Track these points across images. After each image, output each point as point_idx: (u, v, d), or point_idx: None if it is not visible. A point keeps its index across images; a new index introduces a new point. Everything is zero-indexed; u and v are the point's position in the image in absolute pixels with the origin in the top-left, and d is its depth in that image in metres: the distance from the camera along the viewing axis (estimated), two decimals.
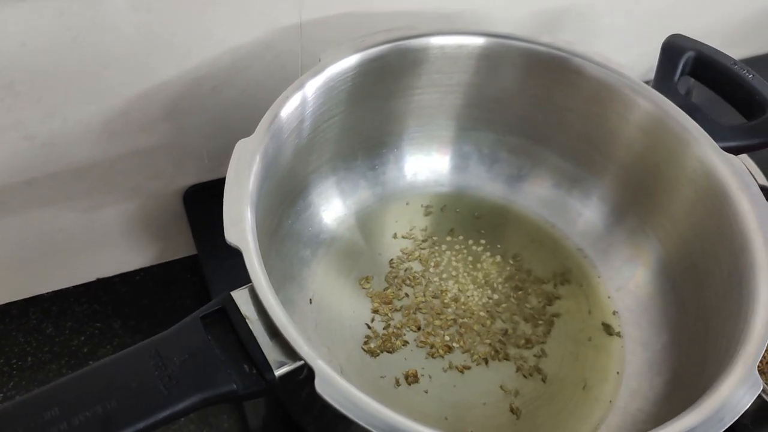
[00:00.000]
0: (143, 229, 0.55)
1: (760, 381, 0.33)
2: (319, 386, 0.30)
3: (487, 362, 0.45)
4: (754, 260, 0.38)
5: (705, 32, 0.51)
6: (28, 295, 0.54)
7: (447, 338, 0.46)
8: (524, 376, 0.45)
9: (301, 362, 0.31)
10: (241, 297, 0.34)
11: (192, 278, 0.57)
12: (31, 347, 0.52)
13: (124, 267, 0.56)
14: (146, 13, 0.43)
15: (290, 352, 0.32)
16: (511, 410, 0.43)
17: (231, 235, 0.34)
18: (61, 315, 0.54)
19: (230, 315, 0.33)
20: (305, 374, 0.32)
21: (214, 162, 0.54)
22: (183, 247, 0.57)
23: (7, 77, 0.42)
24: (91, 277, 0.56)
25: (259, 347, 0.32)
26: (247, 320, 0.33)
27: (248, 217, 0.35)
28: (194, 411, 0.30)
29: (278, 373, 0.32)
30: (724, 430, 0.45)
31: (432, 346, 0.46)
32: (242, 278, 0.34)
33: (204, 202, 0.54)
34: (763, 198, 0.40)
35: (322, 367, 0.31)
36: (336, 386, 0.30)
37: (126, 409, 0.29)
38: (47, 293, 0.54)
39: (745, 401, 0.33)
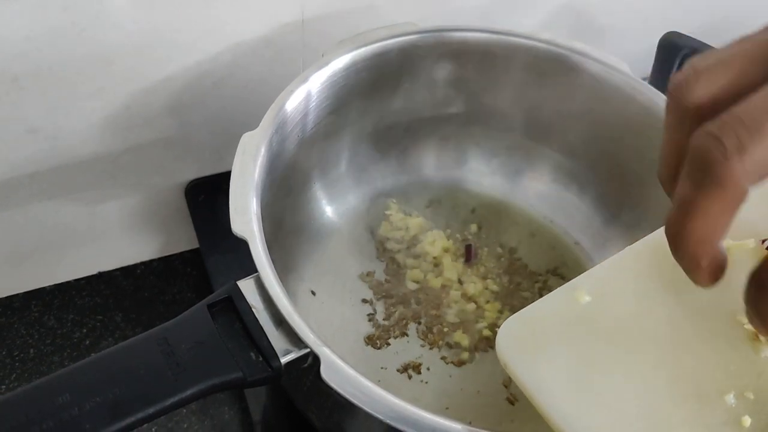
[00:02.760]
0: (145, 223, 0.56)
1: None
2: (325, 373, 0.31)
3: (486, 353, 0.46)
4: None
5: (701, 30, 0.52)
6: (30, 288, 0.54)
7: (445, 330, 0.47)
8: None
9: (307, 350, 0.32)
10: (247, 286, 0.34)
11: (192, 272, 0.57)
12: (33, 340, 0.52)
13: (126, 260, 0.57)
14: (149, 9, 0.43)
15: (296, 340, 0.32)
16: (509, 400, 0.44)
17: (237, 226, 0.35)
18: (62, 308, 0.54)
19: (237, 304, 0.33)
20: (310, 361, 0.32)
21: (216, 156, 0.54)
22: (184, 240, 0.57)
23: (12, 71, 0.42)
24: (92, 271, 0.56)
25: (265, 335, 0.33)
26: (253, 309, 0.33)
27: (254, 207, 0.36)
28: (202, 397, 0.31)
29: (284, 360, 0.32)
30: None
31: (431, 337, 0.46)
32: (244, 271, 0.35)
33: (205, 196, 0.54)
34: None
35: (327, 354, 0.31)
36: (341, 373, 0.31)
37: (135, 395, 0.30)
38: (49, 286, 0.55)
39: None
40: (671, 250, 0.25)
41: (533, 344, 0.31)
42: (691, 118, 0.24)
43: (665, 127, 0.25)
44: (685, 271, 0.25)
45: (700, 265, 0.24)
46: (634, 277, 0.32)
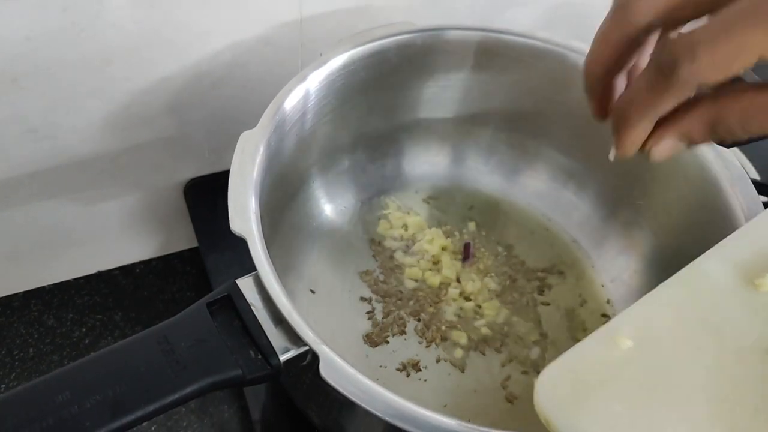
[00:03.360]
0: (144, 222, 0.56)
1: None
2: (324, 370, 0.31)
3: (483, 351, 0.46)
4: None
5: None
6: (30, 287, 0.55)
7: (444, 328, 0.47)
8: (519, 364, 0.46)
9: (306, 347, 0.32)
10: (246, 285, 0.34)
11: (192, 270, 0.57)
12: (33, 339, 0.52)
13: (125, 259, 0.57)
14: (148, 9, 0.43)
15: (295, 338, 0.32)
16: (507, 398, 0.44)
17: (236, 224, 0.35)
18: (62, 307, 0.54)
19: (236, 302, 0.34)
20: (309, 359, 0.32)
21: (214, 156, 0.54)
22: (183, 239, 0.58)
23: (12, 71, 0.42)
24: (91, 270, 0.56)
25: (264, 333, 0.33)
26: (252, 307, 0.33)
27: (252, 206, 0.36)
28: (202, 395, 0.31)
29: (283, 358, 0.32)
30: None
31: (429, 336, 0.46)
32: (243, 269, 0.35)
33: (204, 195, 0.55)
34: (754, 189, 0.41)
35: (326, 352, 0.31)
36: (340, 371, 0.31)
37: (135, 393, 0.30)
38: (48, 285, 0.55)
39: None
40: (614, 123, 0.31)
41: (575, 396, 0.29)
42: (637, 30, 0.29)
43: (604, 30, 0.30)
44: (615, 132, 0.31)
45: (632, 127, 0.30)
46: (673, 318, 0.30)
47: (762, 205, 0.40)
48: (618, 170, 0.50)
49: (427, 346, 0.46)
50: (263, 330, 0.33)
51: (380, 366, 0.45)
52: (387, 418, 0.30)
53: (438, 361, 0.46)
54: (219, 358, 0.32)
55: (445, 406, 0.43)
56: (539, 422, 0.29)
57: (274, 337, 0.33)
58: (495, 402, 0.44)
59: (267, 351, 0.32)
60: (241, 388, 0.48)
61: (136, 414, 0.29)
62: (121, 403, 0.29)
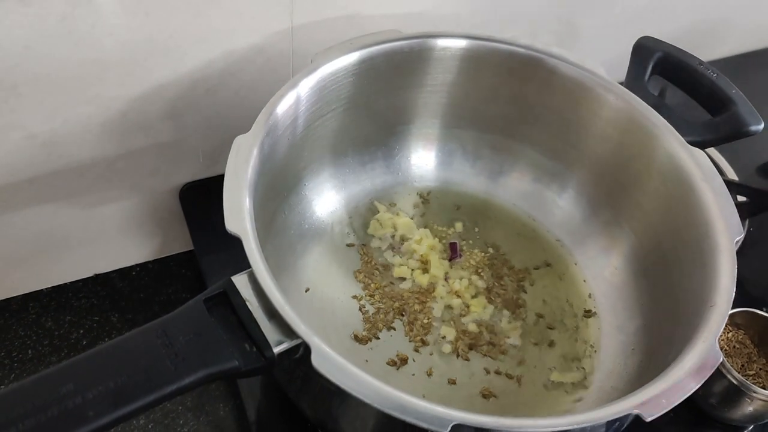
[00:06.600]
0: (140, 226, 0.57)
1: (720, 354, 0.36)
2: (316, 361, 0.32)
3: (469, 347, 0.48)
4: (717, 245, 0.40)
5: (674, 36, 0.54)
6: (28, 291, 0.55)
7: (431, 324, 0.48)
8: (503, 358, 0.47)
9: (299, 340, 0.33)
10: (241, 281, 0.36)
11: (187, 273, 0.58)
12: (31, 341, 0.53)
13: (121, 263, 0.58)
14: (144, 18, 0.45)
15: (288, 332, 0.34)
16: (492, 391, 0.46)
17: (231, 224, 0.36)
18: (60, 309, 0.55)
19: (231, 298, 0.35)
20: (302, 352, 0.34)
21: (209, 160, 0.56)
22: (178, 243, 0.59)
23: (11, 79, 0.43)
24: (88, 273, 0.57)
25: (259, 327, 0.34)
26: (247, 303, 0.35)
27: (247, 206, 0.37)
28: (199, 386, 0.32)
29: (277, 350, 0.34)
30: (698, 413, 0.48)
31: (417, 332, 0.48)
32: (237, 271, 0.36)
33: (199, 198, 0.56)
34: (725, 188, 0.43)
35: (318, 343, 0.33)
36: (331, 361, 0.32)
37: (136, 384, 0.31)
38: (46, 288, 0.56)
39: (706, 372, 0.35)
40: None
41: None
42: None
43: None
44: None
45: None
46: None
47: (733, 203, 0.42)
48: (598, 171, 0.51)
49: (415, 342, 0.48)
50: (258, 324, 0.34)
51: (370, 360, 0.46)
52: (377, 405, 0.31)
53: (425, 355, 0.47)
54: (216, 350, 0.33)
55: (423, 396, 0.44)
56: (514, 415, 0.30)
57: (268, 330, 0.34)
58: (479, 394, 0.46)
59: (261, 344, 0.34)
60: (237, 386, 0.49)
61: (136, 404, 0.31)
62: (122, 394, 0.31)
